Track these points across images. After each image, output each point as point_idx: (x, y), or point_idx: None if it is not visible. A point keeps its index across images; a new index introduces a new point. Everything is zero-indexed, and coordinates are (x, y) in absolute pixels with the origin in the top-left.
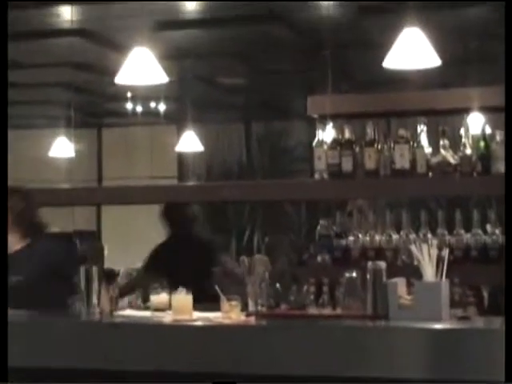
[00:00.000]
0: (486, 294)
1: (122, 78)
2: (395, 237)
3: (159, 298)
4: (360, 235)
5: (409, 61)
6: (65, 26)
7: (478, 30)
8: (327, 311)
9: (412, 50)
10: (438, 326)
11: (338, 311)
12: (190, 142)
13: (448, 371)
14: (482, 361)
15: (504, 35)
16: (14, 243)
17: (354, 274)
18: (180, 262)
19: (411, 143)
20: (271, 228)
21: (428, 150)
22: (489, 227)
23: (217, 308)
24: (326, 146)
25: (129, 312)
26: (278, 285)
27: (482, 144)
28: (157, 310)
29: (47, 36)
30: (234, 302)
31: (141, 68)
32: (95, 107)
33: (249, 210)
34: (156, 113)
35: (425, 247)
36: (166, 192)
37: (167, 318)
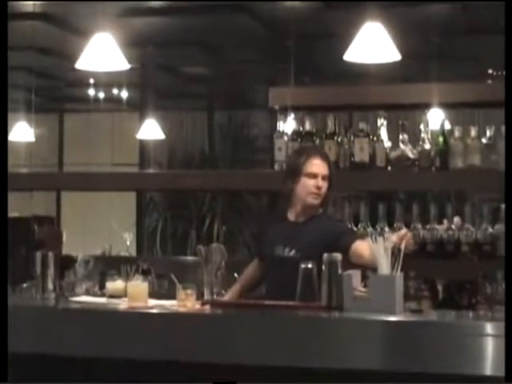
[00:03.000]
0: (440, 288)
1: (83, 63)
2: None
3: (114, 284)
4: None
5: (369, 55)
6: (27, 10)
7: (438, 26)
8: (282, 301)
9: (373, 45)
10: (390, 319)
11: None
12: (151, 130)
13: (400, 362)
14: (432, 353)
15: (505, 31)
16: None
17: (310, 265)
18: None
19: (371, 137)
20: (232, 218)
21: (387, 144)
22: (445, 222)
23: None
24: (286, 138)
25: (84, 298)
26: (235, 274)
27: (440, 139)
28: (112, 296)
29: (9, 19)
30: (189, 291)
31: (102, 54)
32: (57, 92)
33: (209, 199)
34: (118, 99)
35: (380, 240)
36: (127, 179)
37: (122, 305)
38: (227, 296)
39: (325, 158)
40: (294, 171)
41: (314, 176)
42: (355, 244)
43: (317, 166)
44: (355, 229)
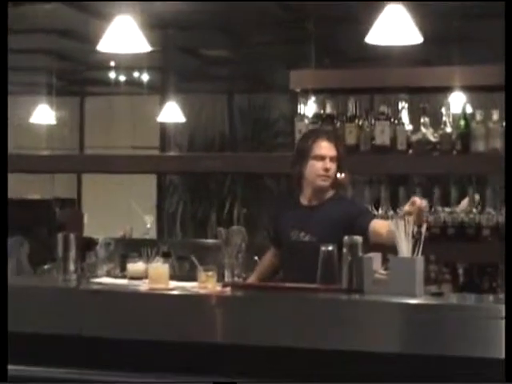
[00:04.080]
0: (461, 272)
1: (104, 46)
2: (374, 213)
3: (135, 266)
4: None
5: (391, 37)
6: None
7: (460, 8)
8: (302, 284)
9: (394, 27)
10: (410, 301)
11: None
12: (172, 113)
13: (419, 345)
14: (452, 336)
15: (505, 15)
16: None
17: (331, 248)
18: None
19: (392, 120)
20: (252, 200)
21: (409, 127)
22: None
23: None
24: (307, 121)
25: (105, 280)
26: (256, 257)
27: (462, 123)
28: (133, 278)
29: (30, 2)
30: (210, 273)
31: (123, 36)
32: (78, 75)
33: (230, 182)
34: (139, 83)
35: (401, 223)
36: (147, 162)
37: (143, 286)
38: None
39: (332, 139)
40: (302, 154)
41: (322, 158)
42: (372, 223)
43: (324, 148)
44: (376, 212)
